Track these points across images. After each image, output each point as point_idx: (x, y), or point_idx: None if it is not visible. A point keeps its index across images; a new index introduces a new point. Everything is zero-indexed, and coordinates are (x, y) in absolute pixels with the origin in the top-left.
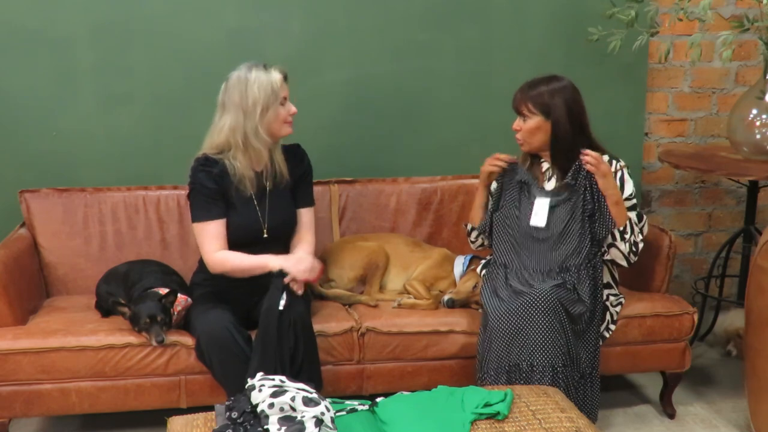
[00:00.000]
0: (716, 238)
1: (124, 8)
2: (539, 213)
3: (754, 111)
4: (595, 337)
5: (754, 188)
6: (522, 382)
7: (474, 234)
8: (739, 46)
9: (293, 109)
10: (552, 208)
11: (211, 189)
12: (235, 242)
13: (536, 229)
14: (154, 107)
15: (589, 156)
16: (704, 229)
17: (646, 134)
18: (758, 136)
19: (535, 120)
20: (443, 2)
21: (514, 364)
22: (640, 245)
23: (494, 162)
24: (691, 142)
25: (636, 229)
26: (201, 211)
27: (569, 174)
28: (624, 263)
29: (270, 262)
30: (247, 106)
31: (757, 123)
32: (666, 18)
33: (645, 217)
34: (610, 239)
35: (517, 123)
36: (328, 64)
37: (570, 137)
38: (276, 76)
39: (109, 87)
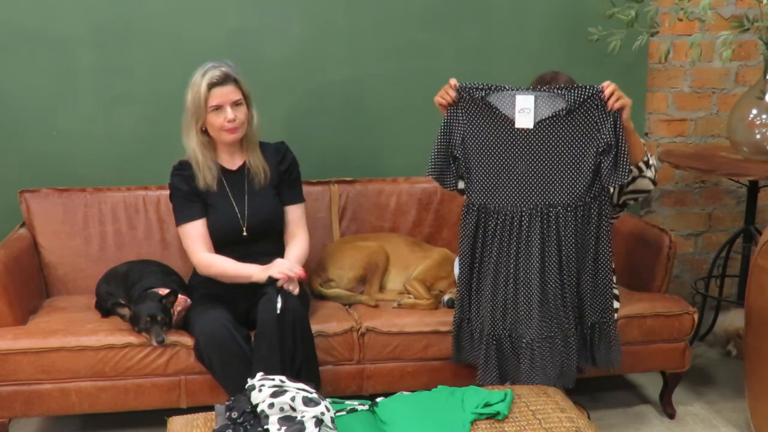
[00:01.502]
0: (716, 238)
1: (124, 8)
2: (525, 111)
3: (754, 111)
4: (604, 281)
5: (754, 188)
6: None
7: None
8: (739, 46)
9: (229, 116)
10: (542, 123)
11: (185, 191)
12: (215, 242)
13: (521, 153)
14: (154, 107)
15: (609, 88)
16: (704, 229)
17: (646, 134)
18: (758, 136)
19: None
20: (443, 2)
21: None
22: (659, 166)
23: (445, 96)
24: (691, 142)
25: (653, 154)
26: (181, 214)
27: (568, 91)
28: (651, 187)
29: (254, 274)
30: (186, 109)
31: (757, 123)
32: (666, 18)
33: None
34: (636, 172)
35: None
36: (328, 64)
37: None
38: (203, 83)
39: (109, 87)
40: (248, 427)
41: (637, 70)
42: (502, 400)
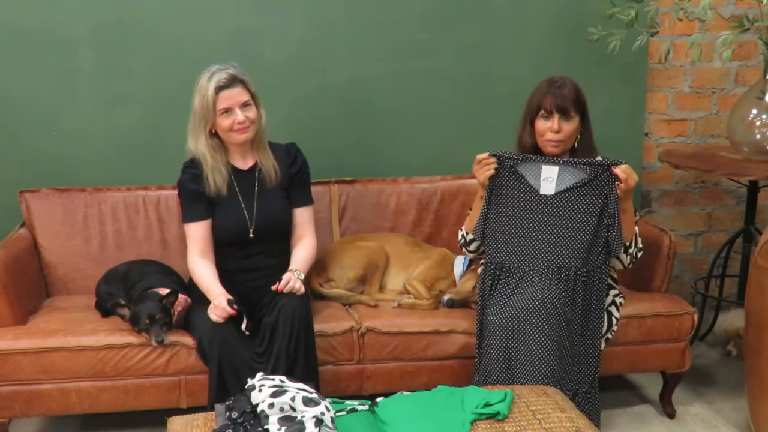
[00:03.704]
0: (716, 238)
1: (124, 8)
2: (548, 180)
3: (754, 111)
4: (593, 351)
5: (754, 188)
6: None
7: (474, 244)
8: (739, 46)
9: (239, 118)
10: (561, 193)
11: (193, 190)
12: (220, 242)
13: (539, 219)
14: (154, 107)
15: (621, 170)
16: (704, 229)
17: (646, 134)
18: (758, 136)
19: (576, 120)
20: (443, 2)
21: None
22: (639, 255)
23: (489, 166)
24: (691, 142)
25: (639, 241)
26: (185, 213)
27: (586, 166)
28: (620, 268)
29: (211, 291)
30: (194, 113)
31: (757, 123)
32: (666, 18)
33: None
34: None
35: (557, 123)
36: (328, 64)
37: (592, 138)
38: (210, 88)
39: (109, 87)
40: (248, 427)
41: (637, 70)
42: (502, 400)
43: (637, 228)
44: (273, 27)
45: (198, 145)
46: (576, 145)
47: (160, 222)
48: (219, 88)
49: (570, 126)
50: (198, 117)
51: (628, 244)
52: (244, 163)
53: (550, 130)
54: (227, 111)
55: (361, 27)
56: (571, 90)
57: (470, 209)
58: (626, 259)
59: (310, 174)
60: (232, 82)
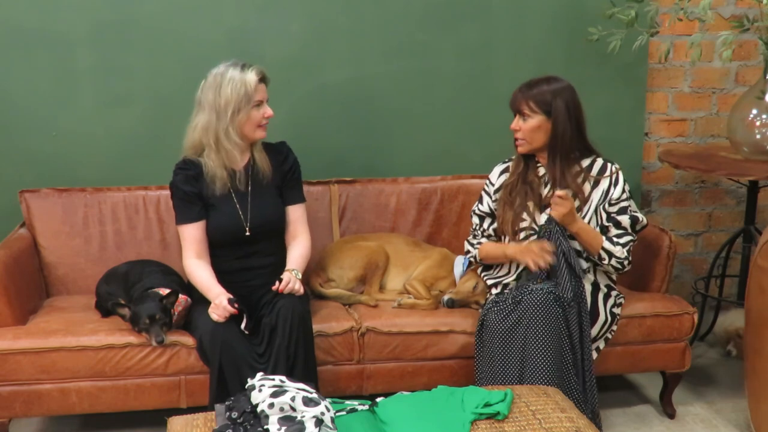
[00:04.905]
0: (716, 238)
1: (124, 8)
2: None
3: (754, 111)
4: (590, 385)
5: (754, 188)
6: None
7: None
8: (739, 46)
9: (269, 112)
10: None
11: (187, 192)
12: (217, 242)
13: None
14: (154, 107)
15: (556, 198)
16: (704, 229)
17: (646, 134)
18: (758, 136)
19: (536, 119)
20: (443, 2)
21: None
22: (626, 263)
23: (541, 260)
24: (691, 142)
25: (618, 251)
26: (179, 214)
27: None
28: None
29: (211, 291)
30: (220, 107)
31: (757, 123)
32: (666, 18)
33: (641, 219)
34: (597, 260)
35: (516, 123)
36: (328, 64)
37: (569, 137)
38: (251, 77)
39: (109, 87)
40: (248, 427)
41: (637, 70)
42: (502, 400)
43: (624, 219)
44: (273, 27)
45: (225, 143)
46: (552, 145)
47: (160, 222)
48: (261, 79)
49: (527, 125)
50: (230, 111)
51: (596, 258)
52: (239, 163)
53: (512, 128)
54: (259, 104)
55: (361, 27)
56: (532, 89)
57: (473, 213)
58: (608, 268)
59: (309, 173)
60: (265, 77)
